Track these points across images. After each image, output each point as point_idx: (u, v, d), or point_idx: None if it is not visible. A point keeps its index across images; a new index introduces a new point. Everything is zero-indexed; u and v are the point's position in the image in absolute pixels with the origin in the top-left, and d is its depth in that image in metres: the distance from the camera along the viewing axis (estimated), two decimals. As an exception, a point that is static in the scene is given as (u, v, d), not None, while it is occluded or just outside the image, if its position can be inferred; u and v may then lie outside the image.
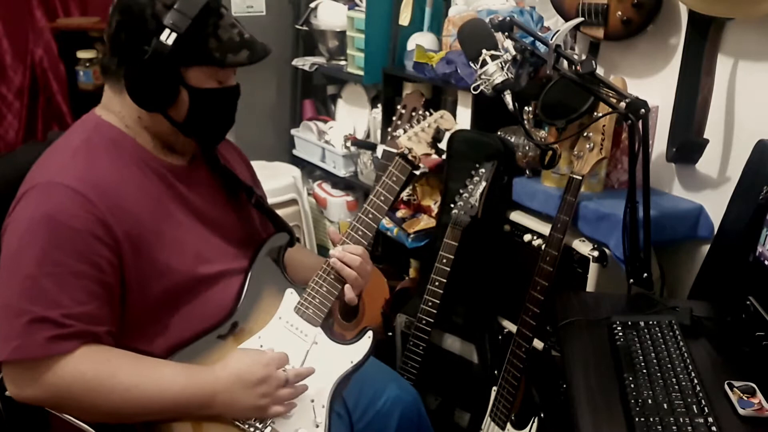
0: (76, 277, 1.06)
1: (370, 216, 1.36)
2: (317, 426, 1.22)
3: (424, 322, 1.90)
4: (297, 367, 1.23)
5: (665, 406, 1.09)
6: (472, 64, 1.51)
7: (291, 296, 1.29)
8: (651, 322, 1.33)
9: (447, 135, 1.53)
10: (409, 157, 1.40)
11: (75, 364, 1.05)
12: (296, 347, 1.25)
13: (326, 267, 1.31)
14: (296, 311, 1.28)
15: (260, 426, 1.17)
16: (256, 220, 1.39)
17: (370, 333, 1.31)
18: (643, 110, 1.40)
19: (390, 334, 2.11)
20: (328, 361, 1.27)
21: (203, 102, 1.16)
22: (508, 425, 1.74)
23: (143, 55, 1.09)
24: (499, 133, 1.97)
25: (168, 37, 1.08)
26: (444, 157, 2.03)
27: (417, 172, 1.41)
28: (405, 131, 1.42)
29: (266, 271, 1.30)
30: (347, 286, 1.32)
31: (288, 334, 1.26)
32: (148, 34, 1.09)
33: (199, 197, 1.26)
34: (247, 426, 1.17)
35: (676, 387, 1.14)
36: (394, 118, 2.09)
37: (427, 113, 1.46)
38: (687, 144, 1.70)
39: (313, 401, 1.23)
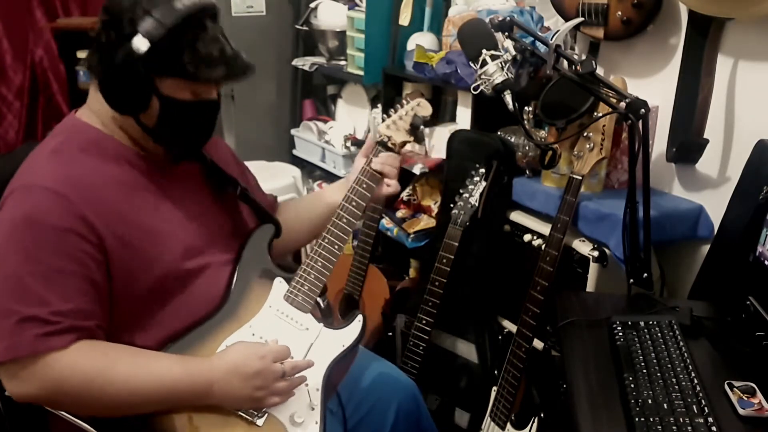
0: (61, 275, 1.07)
1: (358, 193, 1.37)
2: (312, 409, 1.23)
3: (424, 322, 1.90)
4: (293, 354, 1.24)
5: (665, 406, 1.09)
6: (472, 64, 1.51)
7: (280, 285, 1.30)
8: (651, 322, 1.33)
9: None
10: (389, 144, 1.42)
11: (71, 359, 1.06)
12: (288, 334, 1.26)
13: (313, 255, 1.31)
14: (286, 299, 1.29)
15: (256, 412, 1.19)
16: (243, 212, 1.39)
17: (360, 317, 1.32)
18: (643, 110, 1.40)
19: (390, 334, 2.11)
20: (320, 345, 1.28)
21: (173, 112, 1.15)
22: (508, 425, 1.74)
23: (116, 58, 1.09)
24: (499, 133, 1.97)
25: (139, 45, 1.07)
26: (444, 156, 2.03)
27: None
28: (383, 120, 1.45)
29: (254, 262, 1.31)
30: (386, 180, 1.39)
31: (279, 322, 1.27)
32: (122, 38, 1.09)
33: (182, 189, 1.26)
34: (243, 413, 1.18)
35: (676, 387, 1.14)
36: (394, 118, 2.09)
37: (404, 101, 1.48)
38: (687, 144, 1.70)
39: (307, 385, 1.24)
